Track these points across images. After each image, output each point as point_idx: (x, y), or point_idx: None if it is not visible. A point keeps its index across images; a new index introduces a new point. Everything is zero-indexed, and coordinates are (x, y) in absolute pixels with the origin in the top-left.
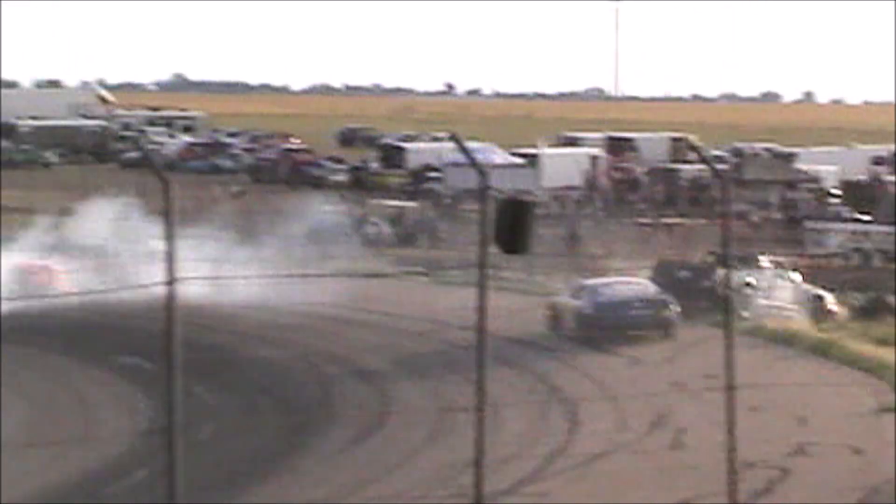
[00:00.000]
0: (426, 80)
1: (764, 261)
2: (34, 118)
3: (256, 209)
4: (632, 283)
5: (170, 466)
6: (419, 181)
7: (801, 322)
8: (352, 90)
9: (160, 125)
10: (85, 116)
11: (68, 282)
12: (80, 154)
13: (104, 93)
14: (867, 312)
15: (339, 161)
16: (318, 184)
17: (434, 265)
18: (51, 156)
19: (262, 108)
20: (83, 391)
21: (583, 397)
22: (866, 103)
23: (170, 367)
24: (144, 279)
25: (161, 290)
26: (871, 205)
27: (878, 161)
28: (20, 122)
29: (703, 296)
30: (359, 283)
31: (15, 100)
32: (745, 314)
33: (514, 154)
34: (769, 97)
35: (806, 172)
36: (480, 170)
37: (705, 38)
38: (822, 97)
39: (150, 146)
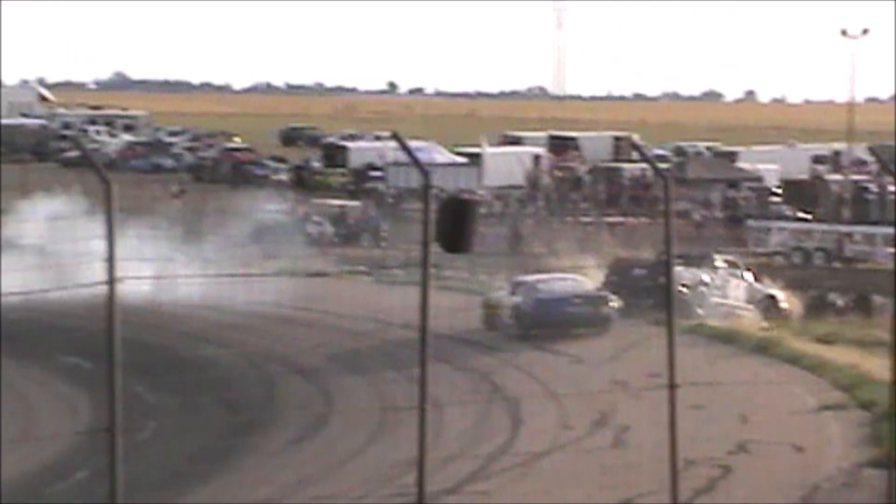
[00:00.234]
0: (368, 79)
1: (718, 260)
2: None
3: (198, 208)
4: (570, 279)
5: (110, 466)
6: (362, 180)
7: (750, 320)
8: (294, 89)
9: (101, 124)
10: (25, 115)
11: (7, 281)
12: (20, 153)
13: (44, 91)
14: (808, 311)
15: (282, 160)
16: (260, 183)
17: (377, 264)
18: None
19: (203, 108)
20: (23, 391)
21: (525, 396)
22: (807, 102)
23: (110, 367)
24: (85, 279)
25: (102, 290)
26: (812, 204)
27: (819, 160)
28: None
29: (657, 294)
30: (301, 283)
31: None
32: (700, 312)
33: (456, 153)
34: (711, 96)
35: (748, 171)
36: (423, 169)
37: (647, 37)
38: (764, 96)
39: (91, 145)
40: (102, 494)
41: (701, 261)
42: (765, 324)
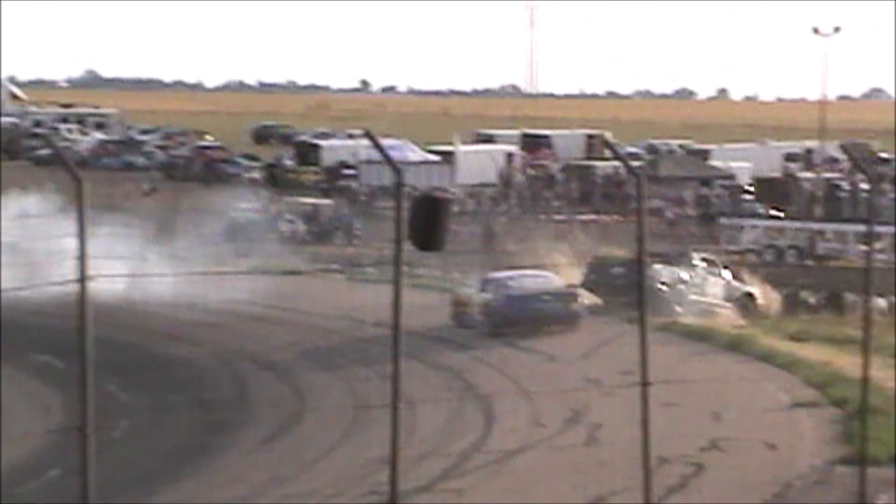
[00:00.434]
0: (341, 77)
1: (696, 258)
2: None
3: (171, 207)
4: (539, 276)
5: (82, 465)
6: (334, 178)
7: (727, 317)
8: (266, 87)
9: (73, 122)
10: None
11: None
12: None
13: (15, 89)
14: (781, 308)
15: (254, 158)
16: (233, 181)
17: (349, 262)
18: None
19: (175, 106)
20: None
21: (498, 393)
22: (780, 100)
23: (82, 366)
24: (57, 277)
25: (74, 288)
26: (784, 201)
27: (791, 158)
28: None
29: (635, 292)
30: (274, 281)
31: None
32: (679, 310)
33: (429, 151)
34: (684, 94)
35: (720, 169)
36: (395, 167)
37: (620, 35)
38: (737, 94)
39: (63, 143)
40: (74, 493)
41: (679, 259)
42: (742, 321)
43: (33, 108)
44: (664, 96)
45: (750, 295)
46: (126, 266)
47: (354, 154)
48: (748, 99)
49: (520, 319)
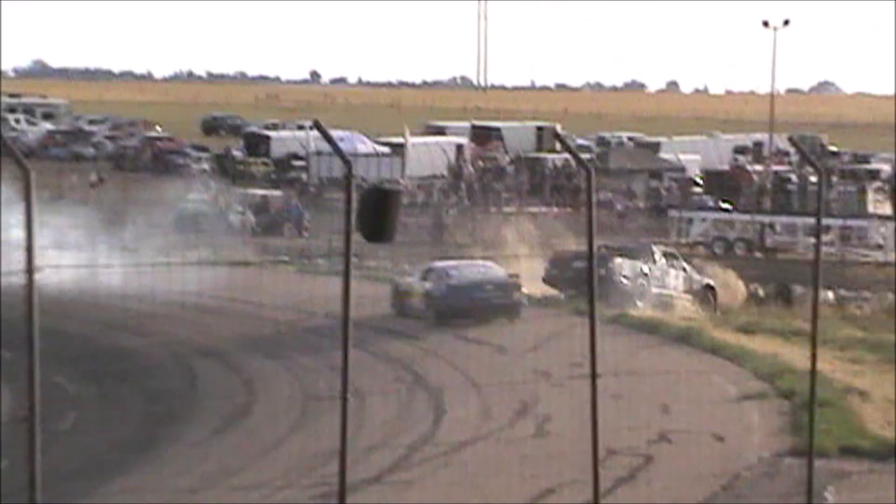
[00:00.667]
0: (291, 68)
1: (657, 251)
2: None
3: (120, 197)
4: (481, 265)
5: (29, 456)
6: (284, 170)
7: (687, 310)
8: (215, 78)
9: (20, 112)
10: None
11: None
12: None
13: None
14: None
15: (203, 149)
16: (182, 172)
17: (299, 254)
18: None
19: (124, 96)
20: None
21: (447, 385)
22: (729, 93)
23: (30, 357)
24: (3, 268)
25: (21, 279)
26: (733, 194)
27: (740, 150)
28: None
29: (598, 285)
30: (223, 272)
31: None
32: (639, 304)
33: (379, 143)
34: (634, 86)
35: (670, 162)
36: (345, 158)
37: (570, 27)
38: (686, 87)
39: (10, 133)
40: (21, 484)
41: (640, 253)
42: (701, 313)
43: None
44: (614, 89)
45: (710, 287)
46: (74, 257)
47: (304, 145)
48: (698, 92)
49: (461, 309)
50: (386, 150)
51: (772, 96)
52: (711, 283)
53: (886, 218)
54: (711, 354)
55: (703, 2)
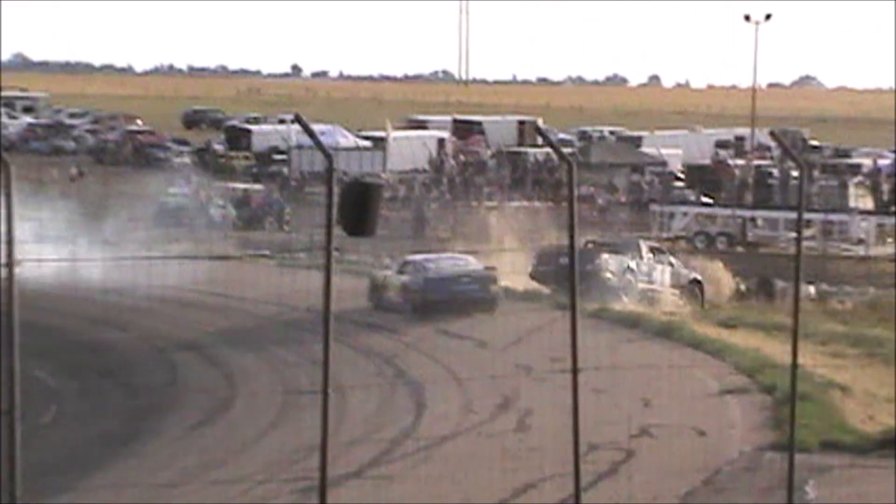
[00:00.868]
0: (272, 62)
1: (643, 246)
2: None
3: (100, 191)
4: (458, 258)
5: (9, 450)
6: (265, 164)
7: (675, 304)
8: (196, 71)
9: (0, 106)
10: None
11: None
12: None
13: None
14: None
15: (184, 143)
16: (163, 166)
17: (280, 248)
18: None
19: (105, 89)
20: None
21: (429, 379)
22: (711, 87)
23: (10, 351)
24: None
25: (0, 273)
26: (715, 188)
27: (722, 145)
28: None
29: (584, 281)
30: (204, 266)
31: None
32: (625, 299)
33: (360, 137)
34: (615, 80)
35: (652, 156)
36: (326, 152)
37: (552, 21)
38: (668, 81)
39: None
40: (1, 478)
41: (627, 248)
42: (688, 307)
43: None
44: (596, 83)
45: (697, 281)
46: (55, 251)
47: (285, 139)
48: (679, 86)
49: (438, 302)
50: (367, 143)
51: (753, 91)
52: (698, 277)
53: (868, 212)
54: (693, 349)
55: None
